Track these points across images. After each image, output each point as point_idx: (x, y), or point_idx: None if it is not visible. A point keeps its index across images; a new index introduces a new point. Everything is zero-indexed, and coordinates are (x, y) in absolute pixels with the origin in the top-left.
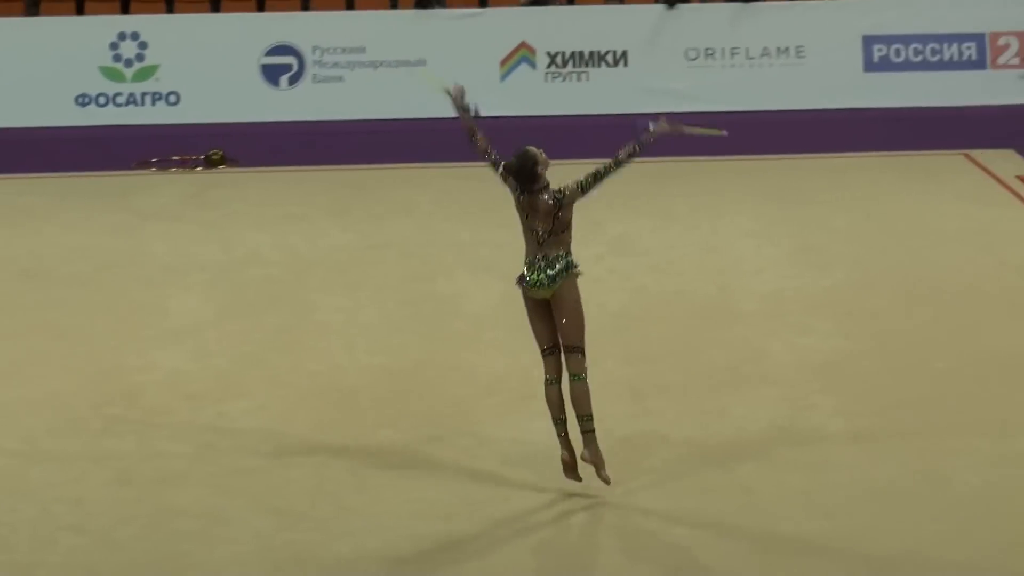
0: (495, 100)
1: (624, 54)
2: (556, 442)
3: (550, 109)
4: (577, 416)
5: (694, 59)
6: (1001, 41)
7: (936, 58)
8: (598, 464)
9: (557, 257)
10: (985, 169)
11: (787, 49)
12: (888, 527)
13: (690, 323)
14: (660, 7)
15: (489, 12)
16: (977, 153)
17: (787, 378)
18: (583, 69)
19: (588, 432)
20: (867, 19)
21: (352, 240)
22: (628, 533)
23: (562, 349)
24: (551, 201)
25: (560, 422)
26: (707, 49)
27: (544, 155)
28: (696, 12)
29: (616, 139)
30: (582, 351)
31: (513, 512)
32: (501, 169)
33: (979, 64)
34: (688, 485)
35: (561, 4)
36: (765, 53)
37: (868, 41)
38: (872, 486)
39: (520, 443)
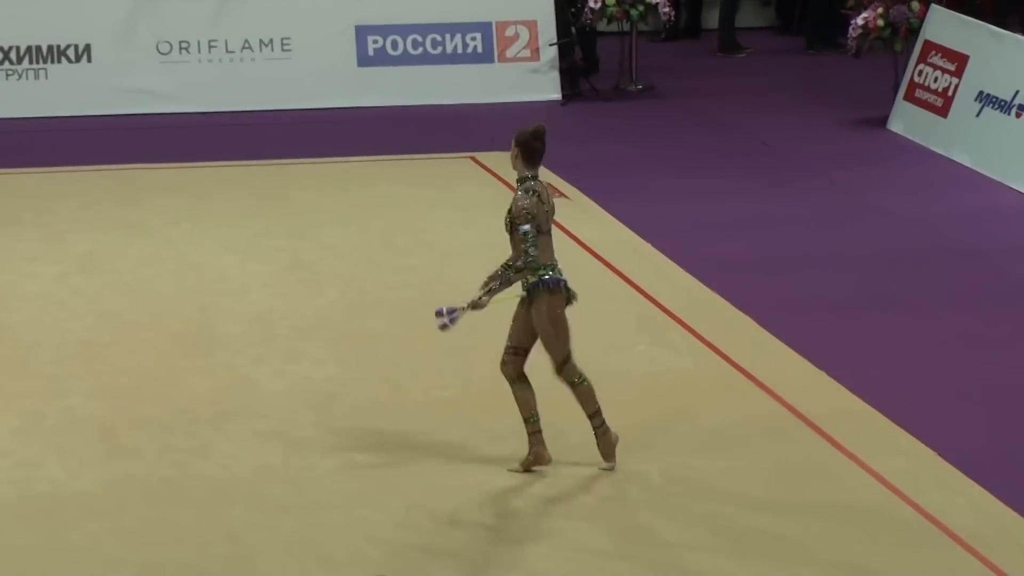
0: None
1: (88, 48)
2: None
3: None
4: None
5: (167, 53)
6: (509, 31)
7: (438, 50)
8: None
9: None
10: (494, 173)
11: (271, 42)
12: (392, 567)
13: (168, 350)
14: None
15: None
16: (485, 156)
17: (277, 410)
18: (41, 66)
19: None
20: (360, 8)
21: None
22: None
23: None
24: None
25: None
26: (182, 42)
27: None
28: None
29: (77, 146)
30: (567, 358)
31: None
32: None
33: (486, 57)
34: (164, 536)
35: None
36: (247, 46)
37: (362, 32)
38: (367, 529)
39: None
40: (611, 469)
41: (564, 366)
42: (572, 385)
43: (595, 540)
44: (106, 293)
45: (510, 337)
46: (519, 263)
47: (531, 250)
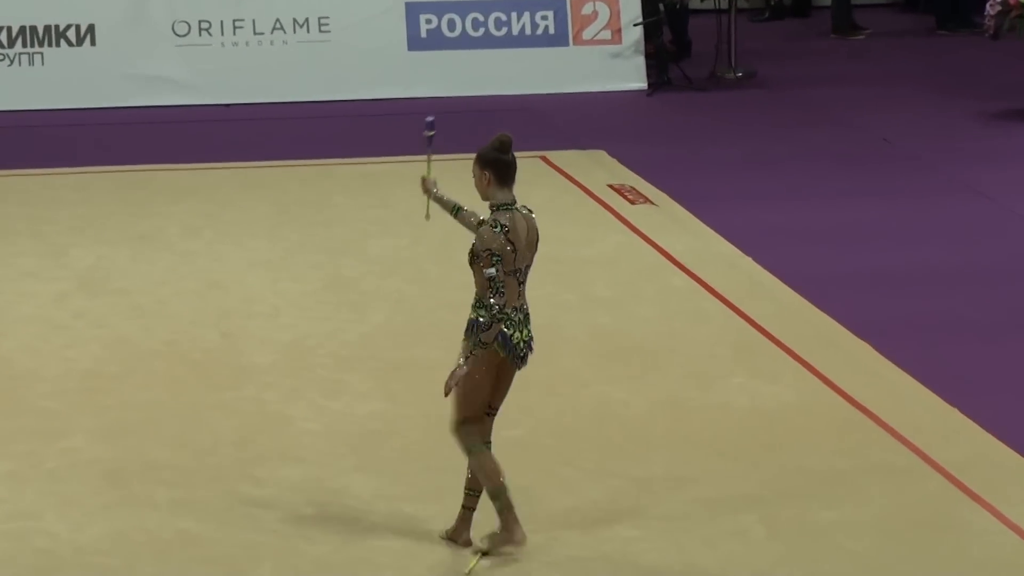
0: None
1: (91, 29)
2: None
3: None
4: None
5: (184, 35)
6: (586, 9)
7: (503, 31)
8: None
9: (527, 312)
10: (568, 175)
11: (306, 22)
12: None
13: (186, 383)
14: None
15: None
16: (559, 155)
17: (314, 453)
18: (36, 50)
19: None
20: None
21: None
22: None
23: (491, 412)
24: (533, 221)
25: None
26: (202, 23)
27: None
28: None
29: (79, 143)
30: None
31: None
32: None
33: (559, 39)
34: None
35: None
36: (278, 27)
37: (413, 10)
38: None
39: None
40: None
41: (462, 426)
42: (467, 452)
43: None
44: (113, 316)
45: (490, 394)
46: (483, 317)
47: (495, 298)
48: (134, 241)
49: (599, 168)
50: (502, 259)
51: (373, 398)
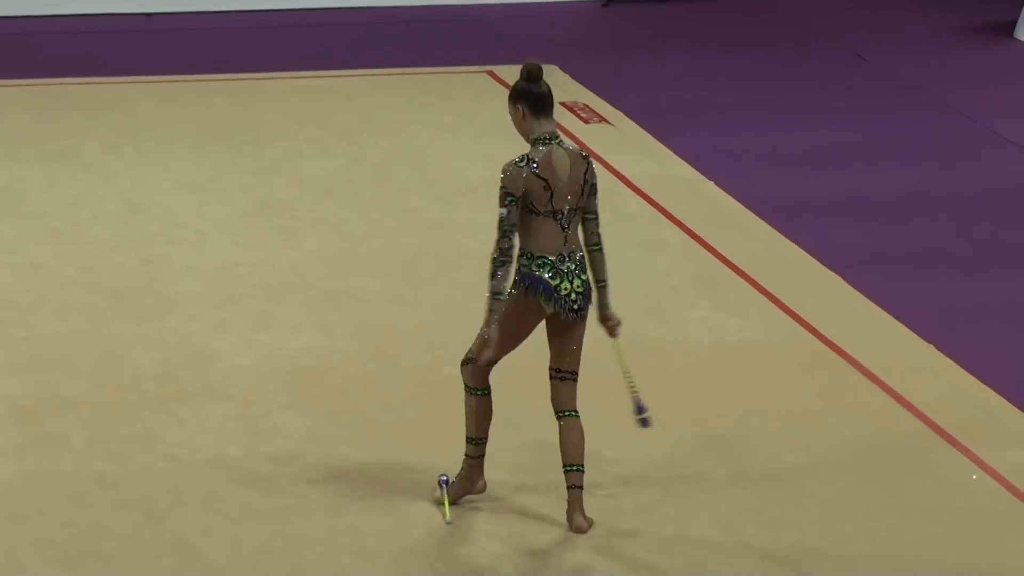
0: None
1: None
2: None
3: None
4: (568, 466)
5: None
6: None
7: None
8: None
9: (581, 259)
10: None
11: None
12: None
13: (105, 313)
14: None
15: None
16: (506, 70)
17: (242, 390)
18: None
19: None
20: None
21: None
22: None
23: (558, 375)
24: (583, 160)
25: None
26: None
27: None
28: None
29: None
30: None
31: None
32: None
33: None
34: (97, 547)
35: None
36: None
37: None
38: (352, 540)
39: None
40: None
41: (465, 365)
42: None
43: (642, 554)
44: (26, 241)
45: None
46: (493, 257)
47: (501, 242)
48: (49, 160)
49: (551, 84)
50: (525, 199)
51: (306, 331)
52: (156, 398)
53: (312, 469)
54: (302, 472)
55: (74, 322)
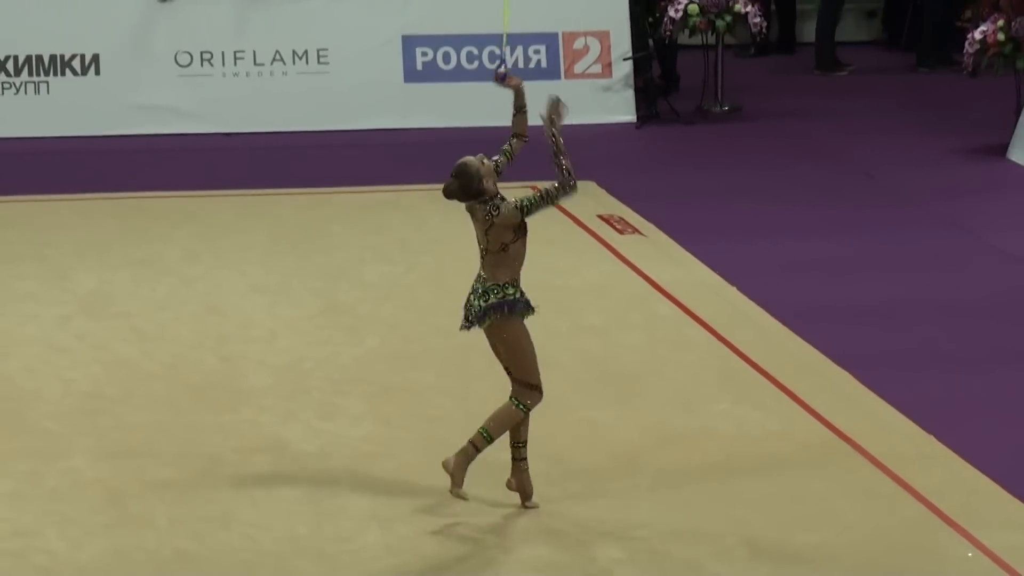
0: None
1: (96, 59)
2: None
3: None
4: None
5: (186, 66)
6: (578, 44)
7: (496, 65)
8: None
9: (492, 288)
10: (558, 205)
11: (305, 54)
12: None
13: (185, 405)
14: None
15: None
16: (549, 184)
17: (309, 474)
18: (42, 79)
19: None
20: (407, 15)
21: None
22: None
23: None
24: (486, 214)
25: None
26: (204, 53)
27: (487, 161)
28: (192, 5)
29: (83, 170)
30: (530, 385)
31: None
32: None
33: (551, 72)
34: None
35: None
36: (278, 59)
37: (409, 43)
38: None
39: None
40: (535, 506)
41: (533, 390)
42: (511, 399)
43: None
44: (114, 339)
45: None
46: (553, 190)
47: (549, 192)
48: (135, 265)
49: (589, 198)
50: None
51: (367, 420)
52: (232, 482)
53: (373, 547)
54: (363, 549)
55: (157, 413)
